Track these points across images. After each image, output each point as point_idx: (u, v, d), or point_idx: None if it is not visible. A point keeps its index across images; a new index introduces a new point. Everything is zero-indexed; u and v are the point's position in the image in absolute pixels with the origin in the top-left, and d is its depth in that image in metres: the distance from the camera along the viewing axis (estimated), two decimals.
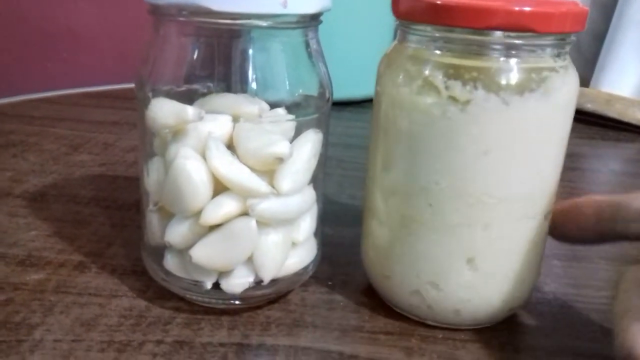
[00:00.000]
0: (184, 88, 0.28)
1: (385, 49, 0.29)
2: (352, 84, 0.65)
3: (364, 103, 0.68)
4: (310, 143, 0.28)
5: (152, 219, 0.29)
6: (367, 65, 0.69)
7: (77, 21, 0.73)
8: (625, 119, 0.64)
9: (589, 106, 0.65)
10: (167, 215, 0.28)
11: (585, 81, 0.74)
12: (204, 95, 0.28)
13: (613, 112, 0.65)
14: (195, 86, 0.28)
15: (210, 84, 0.28)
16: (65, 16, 0.72)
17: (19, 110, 0.59)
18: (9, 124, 0.55)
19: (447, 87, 0.24)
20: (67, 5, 0.72)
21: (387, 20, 0.66)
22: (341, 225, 0.38)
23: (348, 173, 0.48)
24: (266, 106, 0.29)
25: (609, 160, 0.58)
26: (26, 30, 0.71)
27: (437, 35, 0.25)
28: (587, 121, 0.66)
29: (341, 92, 0.66)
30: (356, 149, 0.53)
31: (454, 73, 0.24)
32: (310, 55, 0.28)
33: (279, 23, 0.25)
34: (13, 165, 0.45)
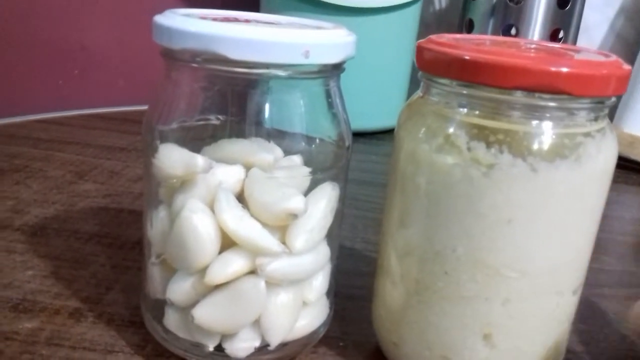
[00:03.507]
0: (195, 121, 0.26)
1: (402, 79, 0.27)
2: (366, 114, 0.63)
3: (379, 134, 0.66)
4: (326, 198, 0.26)
5: (154, 272, 0.27)
6: (382, 96, 0.68)
7: (91, 39, 0.72)
8: None
9: None
10: (170, 270, 0.26)
11: None
12: (217, 130, 0.26)
13: (636, 155, 0.62)
14: (208, 118, 0.26)
15: (223, 117, 0.26)
16: (79, 34, 0.71)
17: (26, 132, 0.58)
18: (15, 147, 0.54)
19: (469, 149, 0.22)
20: (81, 22, 0.71)
21: (406, 50, 0.64)
22: (354, 274, 0.36)
23: (362, 214, 0.46)
24: (280, 153, 0.27)
25: (633, 207, 0.56)
26: (39, 47, 0.70)
27: (462, 92, 0.23)
28: None
29: (355, 123, 0.65)
30: (371, 187, 0.51)
31: (478, 134, 0.22)
32: (330, 104, 0.26)
33: (299, 73, 0.23)
34: (15, 193, 0.44)
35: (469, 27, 0.67)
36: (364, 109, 0.63)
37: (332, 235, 0.27)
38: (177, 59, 0.23)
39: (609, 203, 0.60)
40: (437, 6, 0.79)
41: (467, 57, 0.21)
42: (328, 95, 0.26)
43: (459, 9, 0.70)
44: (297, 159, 0.27)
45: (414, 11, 0.65)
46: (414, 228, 0.25)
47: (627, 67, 0.22)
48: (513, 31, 0.64)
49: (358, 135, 0.65)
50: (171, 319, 0.26)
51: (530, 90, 0.21)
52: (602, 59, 0.24)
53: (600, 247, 0.45)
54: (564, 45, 0.28)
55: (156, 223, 0.26)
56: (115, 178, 0.48)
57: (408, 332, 0.26)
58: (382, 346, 0.28)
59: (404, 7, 0.63)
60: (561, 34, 0.64)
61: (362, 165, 0.57)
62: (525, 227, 0.22)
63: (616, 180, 0.60)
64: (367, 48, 0.62)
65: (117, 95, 0.74)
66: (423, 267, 0.25)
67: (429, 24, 0.78)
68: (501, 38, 0.29)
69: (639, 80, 0.68)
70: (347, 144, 0.27)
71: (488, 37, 0.28)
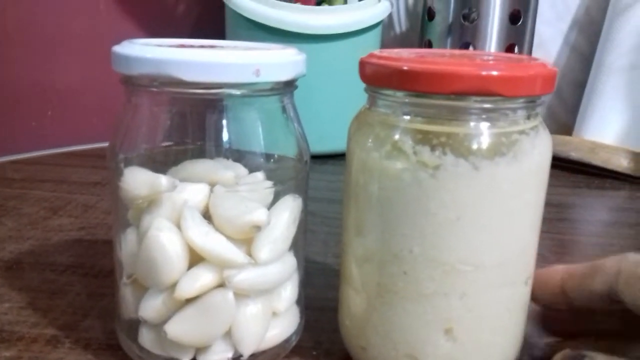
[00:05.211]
0: (158, 145, 0.27)
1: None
2: (333, 136, 0.65)
3: None
4: (289, 209, 0.27)
5: (126, 292, 0.28)
6: (348, 117, 0.69)
7: (63, 79, 0.73)
8: (610, 166, 0.64)
9: (573, 154, 0.65)
10: (141, 289, 0.27)
11: (568, 128, 0.75)
12: (179, 153, 0.27)
13: (597, 160, 0.65)
14: (170, 141, 0.27)
15: (187, 141, 0.27)
16: (50, 75, 0.73)
17: (0, 173, 0.59)
18: None
19: (415, 153, 0.24)
20: (52, 63, 0.72)
21: None
22: (326, 287, 0.37)
23: (333, 230, 0.47)
24: (244, 170, 0.28)
25: (595, 210, 0.58)
26: (11, 89, 0.71)
27: (404, 100, 0.24)
28: (571, 169, 0.66)
29: (323, 145, 0.67)
30: (341, 205, 0.52)
31: (422, 138, 0.24)
32: (286, 119, 0.28)
33: (253, 91, 0.25)
34: None
35: (428, 48, 0.69)
36: (332, 131, 0.64)
37: (298, 246, 0.28)
38: (136, 84, 0.25)
39: (574, 207, 0.62)
40: (397, 29, 0.81)
41: (405, 68, 0.23)
42: (283, 111, 0.27)
43: (418, 30, 0.73)
44: (260, 176, 0.28)
45: (375, 35, 0.68)
46: (370, 234, 0.26)
47: (552, 68, 0.24)
48: (471, 49, 0.67)
49: (327, 157, 0.66)
50: (145, 337, 0.27)
51: (465, 94, 0.23)
52: (530, 62, 0.25)
53: (565, 249, 0.46)
54: (517, 56, 0.30)
55: (125, 244, 0.27)
56: (90, 211, 0.49)
57: (374, 335, 0.27)
58: (351, 352, 0.29)
59: (365, 32, 0.65)
60: (516, 49, 0.67)
61: (332, 185, 0.58)
62: (472, 222, 0.24)
63: (578, 185, 0.62)
64: (332, 73, 0.64)
65: (92, 134, 0.74)
66: (382, 270, 0.26)
67: (391, 47, 0.81)
68: (459, 51, 0.31)
69: (594, 90, 0.71)
70: (305, 158, 0.29)
71: (448, 51, 0.30)
